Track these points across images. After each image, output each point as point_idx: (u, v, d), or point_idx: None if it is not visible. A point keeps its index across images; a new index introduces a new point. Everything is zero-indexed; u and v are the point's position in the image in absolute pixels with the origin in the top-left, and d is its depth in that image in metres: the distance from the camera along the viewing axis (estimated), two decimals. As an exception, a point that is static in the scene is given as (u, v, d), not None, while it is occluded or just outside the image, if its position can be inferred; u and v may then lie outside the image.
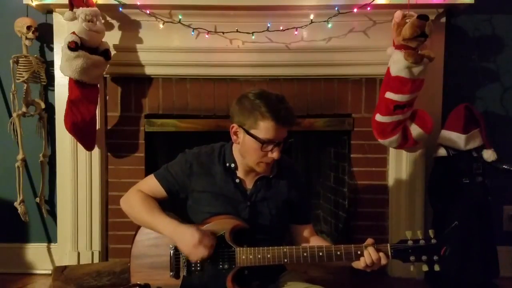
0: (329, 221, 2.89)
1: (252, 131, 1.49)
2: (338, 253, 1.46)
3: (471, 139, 2.31)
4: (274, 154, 1.50)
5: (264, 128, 1.47)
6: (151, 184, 1.63)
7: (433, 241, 1.43)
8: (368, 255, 1.43)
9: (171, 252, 1.53)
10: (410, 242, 1.44)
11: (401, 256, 1.44)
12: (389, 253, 1.44)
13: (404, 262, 1.44)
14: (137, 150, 2.51)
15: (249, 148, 1.52)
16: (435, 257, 1.42)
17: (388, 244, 1.45)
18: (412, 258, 1.42)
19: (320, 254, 1.46)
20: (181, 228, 1.49)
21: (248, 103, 1.51)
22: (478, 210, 2.27)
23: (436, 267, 1.42)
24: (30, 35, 2.38)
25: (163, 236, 1.54)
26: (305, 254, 1.46)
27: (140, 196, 1.59)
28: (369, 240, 1.47)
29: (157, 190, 1.61)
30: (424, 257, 1.42)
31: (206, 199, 1.58)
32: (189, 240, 1.45)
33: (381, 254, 1.44)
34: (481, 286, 2.29)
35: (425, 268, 1.43)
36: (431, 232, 1.44)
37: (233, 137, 1.58)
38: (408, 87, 2.15)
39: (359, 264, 1.45)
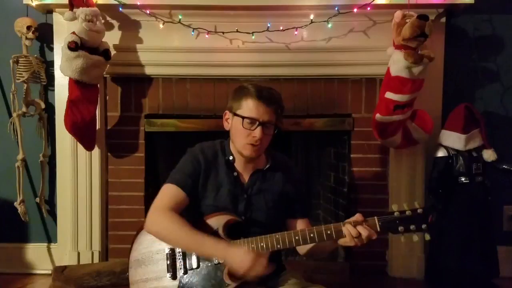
0: (329, 221, 2.89)
1: (238, 112, 1.55)
2: (329, 232, 1.45)
3: (471, 139, 2.31)
4: (256, 133, 1.51)
5: (246, 105, 1.53)
6: (172, 194, 1.55)
7: (420, 210, 1.43)
8: (347, 231, 1.42)
9: (167, 254, 1.54)
10: (397, 214, 1.43)
11: (390, 228, 1.43)
12: (377, 225, 1.43)
13: (394, 234, 1.43)
14: (137, 150, 2.51)
15: (235, 130, 1.56)
16: (424, 226, 1.41)
17: (376, 217, 1.44)
18: (400, 228, 1.42)
19: (311, 235, 1.46)
20: (232, 249, 1.45)
21: (239, 89, 1.59)
22: (478, 210, 2.28)
23: (427, 236, 1.42)
24: (30, 35, 2.38)
25: (159, 241, 1.54)
26: (296, 237, 1.46)
27: (173, 218, 1.51)
28: (358, 216, 1.46)
29: (180, 198, 1.55)
30: (412, 227, 1.42)
31: (210, 192, 1.59)
32: (244, 260, 1.41)
33: (361, 228, 1.42)
34: (481, 286, 2.30)
35: (415, 238, 1.43)
36: (416, 203, 1.45)
37: (225, 124, 1.63)
38: (408, 87, 2.15)
39: (346, 241, 1.44)
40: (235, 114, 1.56)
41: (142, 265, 1.57)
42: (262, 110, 1.52)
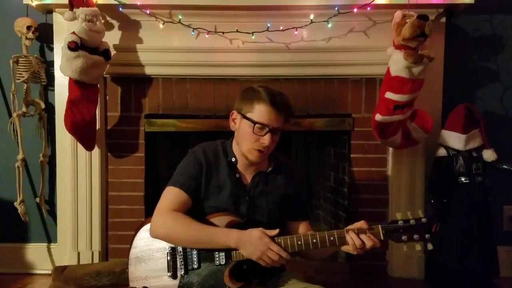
0: (329, 221, 2.89)
1: (248, 115, 1.53)
2: (331, 238, 1.45)
3: (471, 139, 2.31)
4: (265, 139, 1.50)
5: (259, 110, 1.51)
6: (175, 197, 1.54)
7: (424, 220, 1.43)
8: (350, 239, 1.43)
9: (168, 252, 1.54)
10: (400, 222, 1.43)
11: (393, 236, 1.43)
12: (381, 234, 1.43)
13: (397, 242, 1.44)
14: (137, 150, 2.51)
15: (243, 133, 1.54)
16: (427, 235, 1.42)
17: (379, 225, 1.44)
18: (404, 237, 1.42)
19: (314, 240, 1.45)
20: (245, 235, 1.44)
21: (250, 90, 1.57)
22: (478, 210, 2.28)
23: (430, 246, 1.42)
24: (30, 35, 2.38)
25: (159, 240, 1.54)
26: (299, 242, 1.45)
27: (179, 217, 1.50)
28: (363, 223, 1.46)
29: (183, 200, 1.54)
30: (416, 236, 1.42)
31: (212, 193, 1.58)
32: (257, 245, 1.42)
33: (364, 237, 1.42)
34: (481, 286, 2.29)
35: (418, 247, 1.43)
36: (420, 212, 1.45)
37: (231, 124, 1.61)
38: (408, 87, 2.15)
39: (349, 248, 1.45)
40: (244, 117, 1.54)
41: (142, 263, 1.57)
42: (274, 117, 1.51)
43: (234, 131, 1.61)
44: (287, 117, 1.55)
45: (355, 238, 1.42)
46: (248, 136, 1.53)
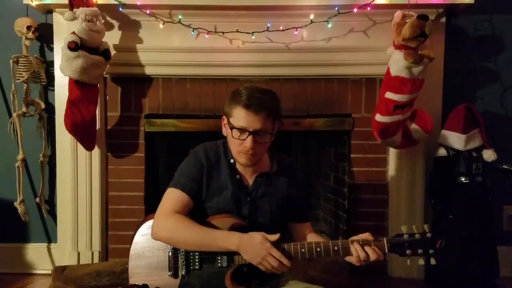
0: (329, 221, 2.90)
1: (230, 120, 1.52)
2: (336, 248, 1.44)
3: (471, 139, 2.31)
4: (247, 143, 1.48)
5: (236, 114, 1.50)
6: (177, 199, 1.54)
7: (428, 235, 1.43)
8: (355, 251, 1.42)
9: (170, 251, 1.54)
10: (405, 236, 1.44)
11: (397, 250, 1.43)
12: (385, 247, 1.43)
13: (401, 256, 1.44)
14: (137, 150, 2.51)
15: (229, 137, 1.55)
16: (431, 251, 1.42)
17: (384, 238, 1.44)
18: (408, 252, 1.42)
19: (318, 249, 1.45)
20: (246, 239, 1.43)
21: (234, 93, 1.55)
22: (478, 210, 2.27)
23: (432, 261, 1.42)
24: (30, 35, 2.38)
25: None
26: (303, 250, 1.45)
27: (180, 219, 1.50)
28: (368, 235, 1.46)
29: (185, 202, 1.54)
30: (420, 251, 1.42)
31: (213, 194, 1.58)
32: (258, 250, 1.41)
33: (369, 249, 1.41)
34: (481, 286, 2.29)
35: (421, 262, 1.43)
36: (426, 227, 1.45)
37: (223, 129, 1.61)
38: (408, 87, 2.15)
39: (352, 259, 1.44)
40: (228, 122, 1.54)
41: (142, 259, 1.57)
42: (251, 119, 1.47)
43: (226, 136, 1.60)
44: (269, 116, 1.49)
45: (360, 250, 1.41)
46: (233, 141, 1.52)
